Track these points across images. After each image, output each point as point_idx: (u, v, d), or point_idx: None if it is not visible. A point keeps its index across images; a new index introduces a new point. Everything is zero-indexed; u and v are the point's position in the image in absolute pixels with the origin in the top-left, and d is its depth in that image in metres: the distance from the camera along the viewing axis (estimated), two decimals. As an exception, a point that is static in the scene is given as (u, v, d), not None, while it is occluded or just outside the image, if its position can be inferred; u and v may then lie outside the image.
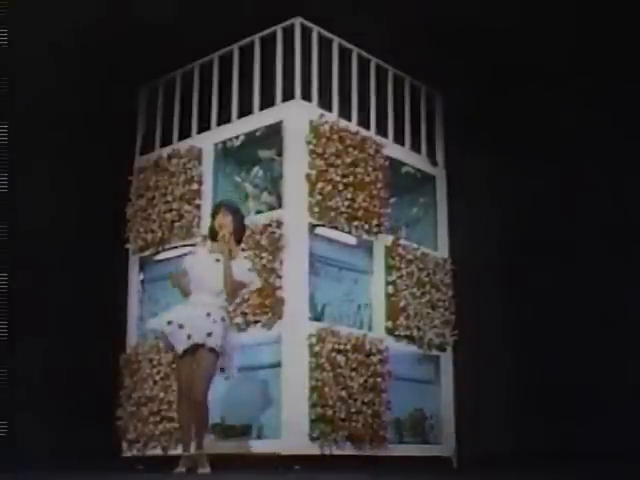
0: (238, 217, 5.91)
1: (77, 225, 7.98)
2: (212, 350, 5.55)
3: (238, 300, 6.14)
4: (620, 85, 7.59)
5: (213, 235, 5.88)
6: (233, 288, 5.69)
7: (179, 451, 7.02)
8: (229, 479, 5.57)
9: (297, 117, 7.11)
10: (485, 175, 8.34)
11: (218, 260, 5.72)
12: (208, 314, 5.60)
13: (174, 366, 7.10)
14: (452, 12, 7.38)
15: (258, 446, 6.61)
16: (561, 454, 7.47)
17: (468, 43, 7.74)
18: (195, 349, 5.57)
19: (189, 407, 5.62)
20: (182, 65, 7.97)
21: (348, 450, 6.74)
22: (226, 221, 5.80)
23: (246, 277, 5.75)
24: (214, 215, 5.91)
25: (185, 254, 7.42)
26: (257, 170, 7.45)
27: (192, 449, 5.63)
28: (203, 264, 5.76)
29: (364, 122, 7.63)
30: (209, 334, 5.55)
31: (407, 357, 7.57)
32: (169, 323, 5.65)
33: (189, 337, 5.57)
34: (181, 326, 5.59)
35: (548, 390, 7.93)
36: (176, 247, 7.58)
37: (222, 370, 5.71)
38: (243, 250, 6.06)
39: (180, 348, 5.60)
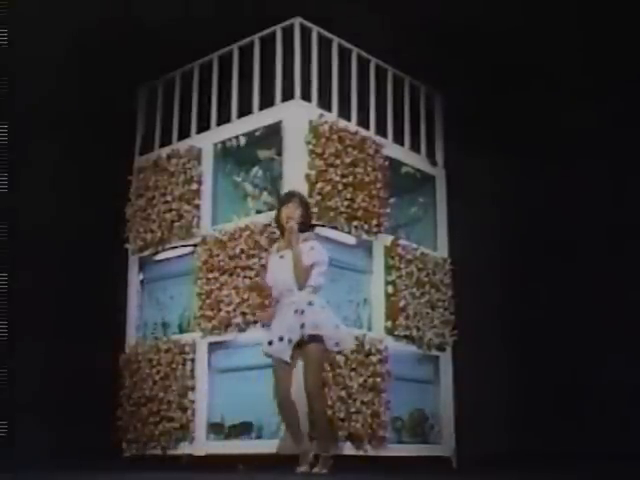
0: (308, 211, 5.88)
1: (77, 225, 7.99)
2: (314, 338, 5.56)
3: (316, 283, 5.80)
4: (620, 85, 7.60)
5: (280, 226, 5.83)
6: (304, 275, 5.63)
7: (179, 451, 7.08)
8: (230, 479, 5.57)
9: (296, 117, 7.11)
10: (485, 175, 8.34)
11: (282, 257, 5.73)
12: (296, 310, 5.60)
13: (174, 366, 7.17)
14: (452, 12, 7.38)
15: (258, 446, 6.60)
16: (561, 454, 7.48)
17: (468, 43, 7.74)
18: (300, 347, 5.60)
19: (307, 403, 5.64)
20: (182, 65, 7.97)
21: (348, 450, 6.73)
22: (295, 213, 5.74)
23: (311, 258, 5.68)
24: (281, 205, 5.83)
25: (186, 254, 7.51)
26: (257, 170, 7.45)
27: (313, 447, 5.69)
28: (275, 268, 5.77)
29: (363, 122, 7.63)
30: (302, 325, 5.56)
31: (407, 357, 7.56)
32: (270, 344, 5.64)
33: (290, 342, 5.58)
34: (281, 338, 5.60)
35: (548, 390, 7.94)
36: (176, 247, 7.58)
37: (337, 345, 5.70)
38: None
39: (287, 357, 5.60)
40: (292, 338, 5.59)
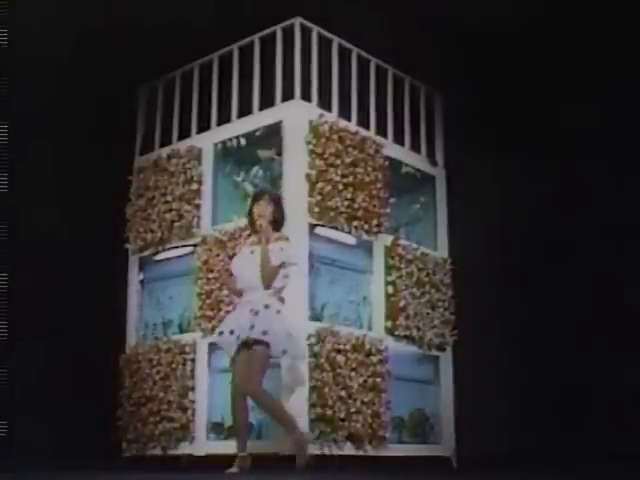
0: (280, 207, 5.88)
1: (77, 225, 7.99)
2: (259, 342, 5.55)
3: (280, 285, 5.86)
4: (621, 85, 7.60)
5: (252, 224, 5.86)
6: (270, 274, 5.64)
7: (179, 451, 7.07)
8: (230, 479, 5.57)
9: (297, 117, 7.11)
10: (485, 175, 8.34)
11: (252, 252, 5.73)
12: (251, 310, 5.61)
13: (174, 366, 7.16)
14: (452, 12, 7.38)
15: (258, 446, 6.60)
16: (561, 454, 7.48)
17: (468, 43, 7.74)
18: (245, 346, 5.60)
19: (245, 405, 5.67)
20: (182, 65, 7.97)
21: (348, 450, 6.73)
22: (267, 211, 5.77)
23: (280, 258, 5.67)
24: (253, 202, 5.86)
25: (186, 254, 7.52)
26: (257, 170, 7.45)
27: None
28: (242, 261, 5.78)
29: (364, 122, 7.63)
30: (251, 327, 5.56)
31: (407, 357, 7.56)
32: (220, 334, 5.69)
33: (238, 338, 5.60)
34: (232, 332, 5.63)
35: (547, 390, 7.94)
36: (176, 247, 7.58)
37: (284, 352, 5.65)
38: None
39: (231, 352, 5.64)
40: (240, 335, 5.60)
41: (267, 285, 5.67)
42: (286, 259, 5.70)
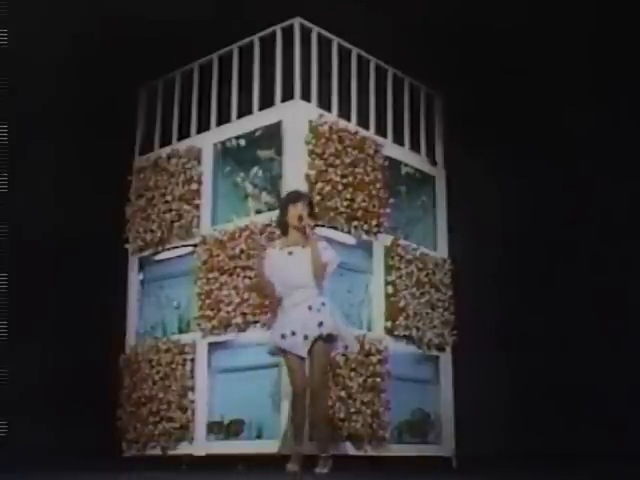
0: (313, 209, 5.88)
1: (77, 225, 8.00)
2: (329, 337, 5.59)
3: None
4: (621, 85, 7.60)
5: (285, 228, 5.81)
6: (323, 273, 5.69)
7: (179, 451, 7.08)
8: (230, 479, 5.57)
9: (296, 117, 7.11)
10: (485, 175, 8.35)
11: (291, 253, 5.70)
12: (309, 307, 5.60)
13: (173, 366, 7.17)
14: (452, 12, 7.39)
15: (258, 446, 6.61)
16: (561, 454, 7.49)
17: (468, 43, 7.75)
18: (317, 343, 5.58)
19: (309, 402, 5.59)
20: (182, 65, 7.97)
21: (348, 450, 6.74)
22: (305, 212, 5.74)
23: (326, 257, 5.72)
24: (287, 206, 5.79)
25: (186, 254, 7.52)
26: (257, 170, 7.45)
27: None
28: (281, 265, 5.71)
29: (363, 122, 7.63)
30: (320, 324, 5.56)
31: (406, 357, 7.56)
32: (283, 337, 5.58)
33: (306, 337, 5.55)
34: (294, 333, 5.56)
35: (547, 390, 7.95)
36: (176, 247, 7.59)
37: (346, 348, 5.76)
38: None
39: (304, 353, 5.57)
40: (308, 334, 5.56)
41: (320, 283, 5.71)
42: (331, 257, 5.76)
